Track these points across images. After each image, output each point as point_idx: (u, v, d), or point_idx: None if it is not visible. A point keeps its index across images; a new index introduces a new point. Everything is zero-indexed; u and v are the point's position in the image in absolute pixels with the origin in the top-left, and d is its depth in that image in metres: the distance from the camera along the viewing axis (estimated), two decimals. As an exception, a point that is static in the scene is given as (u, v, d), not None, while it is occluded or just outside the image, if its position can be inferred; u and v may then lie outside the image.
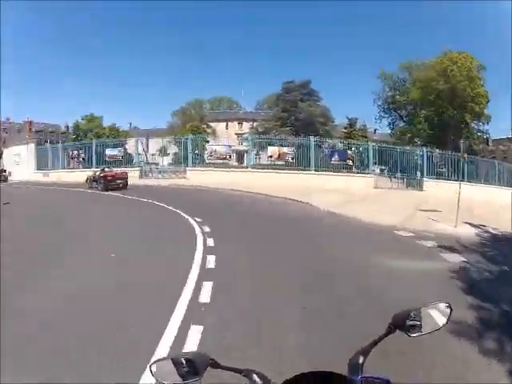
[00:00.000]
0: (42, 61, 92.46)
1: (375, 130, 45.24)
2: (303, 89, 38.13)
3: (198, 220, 8.79)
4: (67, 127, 38.12)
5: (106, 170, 19.06)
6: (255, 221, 9.50)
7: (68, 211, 11.46)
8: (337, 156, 22.77)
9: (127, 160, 25.00)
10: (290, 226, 8.93)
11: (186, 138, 24.51)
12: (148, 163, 25.62)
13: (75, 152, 27.76)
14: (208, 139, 26.52)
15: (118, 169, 24.70)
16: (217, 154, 24.49)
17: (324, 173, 21.25)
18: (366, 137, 33.22)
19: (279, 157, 23.44)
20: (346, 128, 35.47)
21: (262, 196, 14.87)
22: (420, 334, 0.95)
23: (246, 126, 45.30)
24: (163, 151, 25.85)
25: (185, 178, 23.04)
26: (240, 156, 32.67)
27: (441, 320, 1.00)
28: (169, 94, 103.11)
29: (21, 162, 35.17)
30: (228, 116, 50.53)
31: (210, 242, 6.61)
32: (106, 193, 16.57)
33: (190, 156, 23.70)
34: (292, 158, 23.14)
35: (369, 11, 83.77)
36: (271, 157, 23.60)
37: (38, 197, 17.08)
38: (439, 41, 65.98)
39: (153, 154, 27.54)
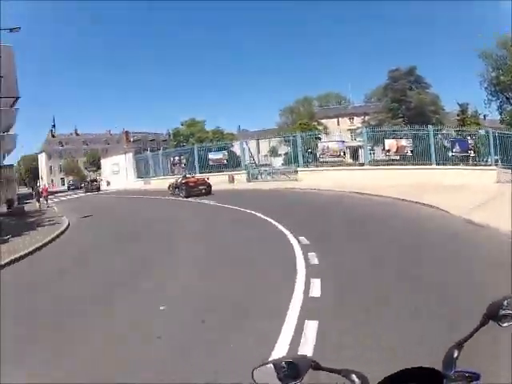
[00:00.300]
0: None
1: (485, 116, 39.19)
2: (410, 76, 35.42)
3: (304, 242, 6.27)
4: (169, 134, 38.65)
5: (188, 176, 19.29)
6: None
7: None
8: (458, 147, 18.91)
9: (234, 163, 23.12)
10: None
11: (295, 136, 21.74)
12: (257, 165, 23.49)
13: (176, 158, 26.98)
14: (319, 136, 23.47)
15: (223, 173, 23.26)
16: (329, 151, 21.27)
17: (443, 166, 17.97)
18: (478, 124, 29.08)
19: (397, 150, 19.63)
20: (458, 115, 31.54)
21: (391, 200, 11.35)
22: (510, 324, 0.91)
23: (357, 121, 42.45)
24: (274, 152, 23.45)
25: (296, 179, 20.35)
26: (354, 152, 29.10)
27: None
28: (276, 95, 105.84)
29: (120, 170, 36.38)
30: (338, 112, 47.90)
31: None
32: (189, 199, 16.23)
33: (300, 155, 20.89)
34: (411, 151, 19.36)
35: None
36: (388, 151, 19.79)
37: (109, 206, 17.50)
38: None
39: (265, 155, 25.40)
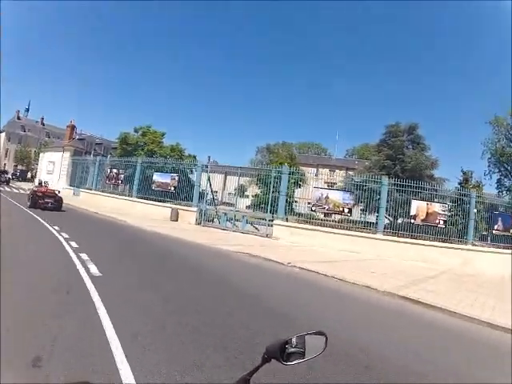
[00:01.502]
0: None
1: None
2: (409, 134, 30.89)
3: None
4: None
5: (42, 185, 17.13)
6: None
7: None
8: (500, 222, 15.00)
9: (185, 194, 16.65)
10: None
11: (280, 171, 15.70)
12: (216, 203, 17.27)
13: (114, 170, 20.26)
14: (304, 180, 17.63)
15: (166, 204, 16.91)
16: (329, 203, 15.35)
17: (483, 248, 14.35)
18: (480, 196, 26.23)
19: (427, 218, 14.26)
20: (461, 183, 27.53)
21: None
22: (296, 362, 0.99)
23: (338, 174, 37.12)
24: (241, 191, 17.17)
25: (268, 236, 14.30)
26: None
27: (317, 348, 1.03)
28: (251, 134, 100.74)
29: (54, 171, 29.03)
30: (319, 161, 42.66)
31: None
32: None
33: (282, 200, 14.97)
34: (444, 222, 14.17)
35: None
36: (414, 218, 14.44)
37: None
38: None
39: (229, 193, 19.15)
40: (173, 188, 16.74)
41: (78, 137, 30.28)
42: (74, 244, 7.75)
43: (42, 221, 11.29)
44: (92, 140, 31.93)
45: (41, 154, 34.32)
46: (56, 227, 9.96)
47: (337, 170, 41.26)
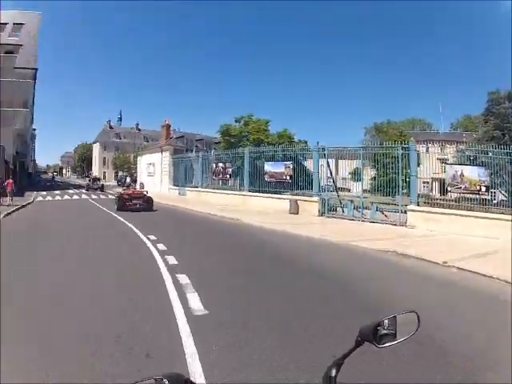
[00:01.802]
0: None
1: None
2: (509, 101, 27.89)
3: None
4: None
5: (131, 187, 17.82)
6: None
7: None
8: None
9: (303, 183, 15.13)
10: None
11: (406, 150, 12.92)
12: (336, 189, 15.35)
13: (220, 165, 19.85)
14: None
15: (283, 195, 15.59)
16: (464, 181, 12.26)
17: None
18: None
19: None
20: None
21: None
22: (389, 344, 0.96)
23: (450, 150, 32.88)
24: (356, 174, 14.84)
25: (404, 225, 11.90)
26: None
27: (409, 329, 1.00)
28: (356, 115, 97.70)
29: (155, 172, 30.40)
30: (426, 137, 38.06)
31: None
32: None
33: (413, 183, 12.33)
34: None
35: None
36: None
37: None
38: None
39: (343, 178, 17.10)
40: (288, 177, 15.32)
41: (174, 136, 31.19)
42: (171, 260, 6.02)
43: (135, 230, 9.96)
44: (191, 137, 32.63)
45: (138, 158, 36.07)
46: (152, 236, 8.49)
47: (447, 145, 36.30)
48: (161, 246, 7.27)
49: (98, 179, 38.62)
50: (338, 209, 14.32)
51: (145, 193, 16.11)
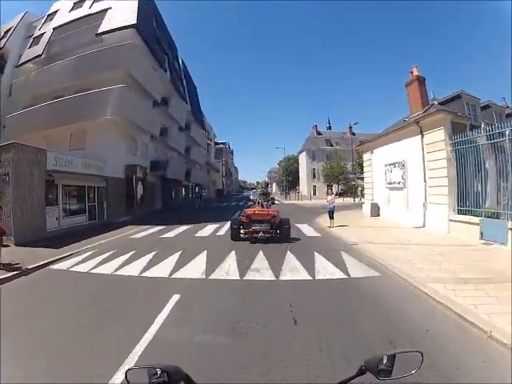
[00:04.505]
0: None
1: None
2: None
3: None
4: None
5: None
6: None
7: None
8: None
9: None
10: None
11: None
12: None
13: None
14: None
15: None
16: None
17: None
18: None
19: None
20: None
21: None
22: (390, 378, 1.01)
23: None
24: None
25: None
26: None
27: (412, 367, 1.04)
28: None
29: (407, 181, 13.96)
30: None
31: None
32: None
33: None
34: None
35: None
36: None
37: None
38: None
39: None
40: None
41: (434, 102, 15.52)
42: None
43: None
44: (475, 102, 16.55)
45: (365, 156, 20.93)
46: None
47: None
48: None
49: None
50: None
51: (275, 213, 10.24)
